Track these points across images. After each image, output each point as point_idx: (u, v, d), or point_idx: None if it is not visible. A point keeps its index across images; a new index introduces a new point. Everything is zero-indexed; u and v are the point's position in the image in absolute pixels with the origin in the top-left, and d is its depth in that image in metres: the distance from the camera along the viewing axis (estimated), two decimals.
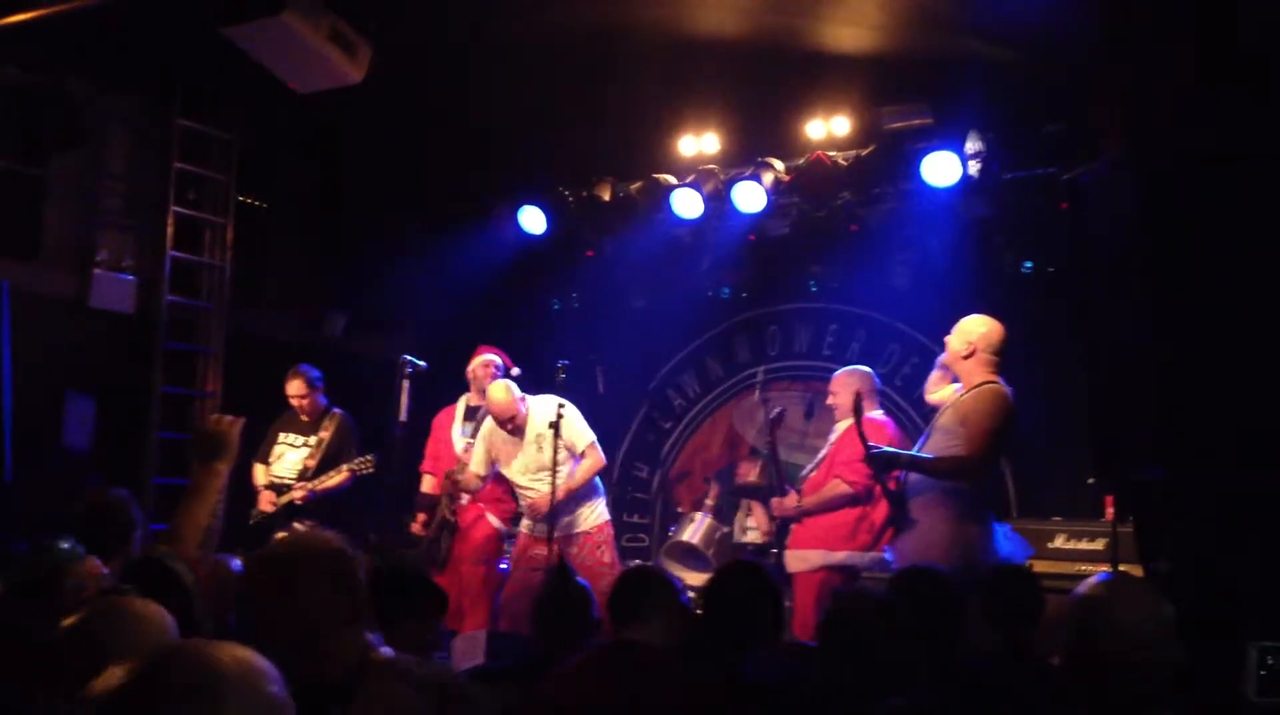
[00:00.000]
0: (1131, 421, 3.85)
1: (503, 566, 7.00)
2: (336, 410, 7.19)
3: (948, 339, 5.49)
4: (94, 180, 7.65)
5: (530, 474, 6.57)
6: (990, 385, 5.26)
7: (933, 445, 5.28)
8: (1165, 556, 3.78)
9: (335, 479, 6.91)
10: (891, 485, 5.35)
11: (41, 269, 7.35)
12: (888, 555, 5.74)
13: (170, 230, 7.80)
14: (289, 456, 7.09)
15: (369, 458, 6.90)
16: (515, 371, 7.12)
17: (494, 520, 7.05)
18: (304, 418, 7.14)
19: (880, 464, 5.31)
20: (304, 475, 6.97)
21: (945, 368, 5.67)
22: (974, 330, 5.40)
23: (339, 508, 7.09)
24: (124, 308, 7.64)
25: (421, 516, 7.08)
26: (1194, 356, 3.56)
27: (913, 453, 5.27)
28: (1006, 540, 5.26)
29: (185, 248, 7.95)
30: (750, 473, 7.92)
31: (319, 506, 6.95)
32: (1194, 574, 3.40)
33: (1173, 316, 3.56)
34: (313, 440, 7.07)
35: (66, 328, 7.36)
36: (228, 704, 1.41)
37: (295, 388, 7.08)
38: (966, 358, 5.34)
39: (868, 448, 5.31)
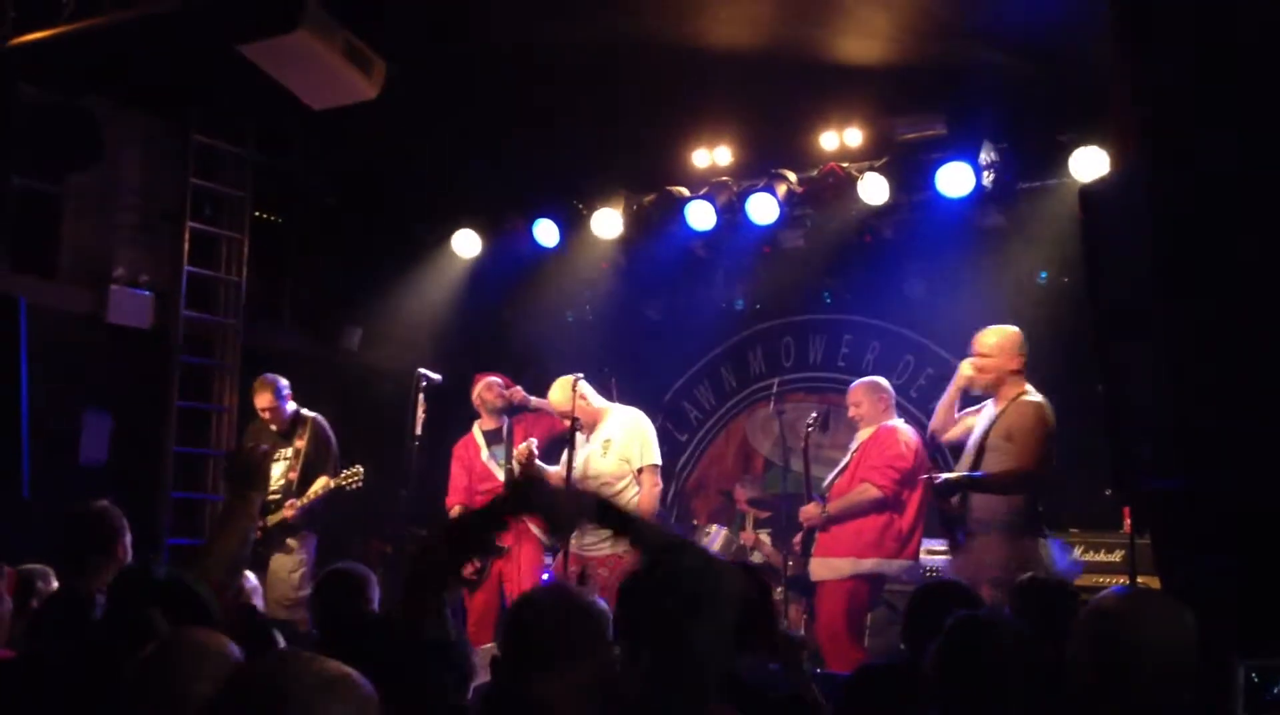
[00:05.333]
0: (1148, 432, 3.82)
1: (545, 579, 6.93)
2: (306, 414, 7.04)
3: (973, 363, 5.45)
4: (111, 197, 7.70)
5: (584, 478, 6.46)
6: (1025, 397, 5.28)
7: (987, 464, 5.27)
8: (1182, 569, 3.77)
9: (317, 487, 6.82)
10: (951, 508, 5.33)
11: (59, 285, 7.41)
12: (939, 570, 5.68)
13: (187, 246, 7.85)
14: (270, 471, 6.95)
15: (357, 470, 6.81)
16: (516, 390, 7.09)
17: (538, 531, 7.00)
18: (274, 427, 6.98)
19: (946, 491, 5.29)
20: (288, 489, 6.87)
21: (963, 391, 5.64)
22: (992, 343, 5.39)
23: (353, 520, 7.08)
24: (141, 323, 7.68)
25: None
26: (1210, 366, 3.54)
27: (971, 474, 5.25)
28: (1061, 552, 5.27)
29: (202, 263, 8.00)
30: (757, 486, 7.89)
31: (313, 518, 6.89)
32: (1205, 586, 3.38)
33: (1188, 325, 3.54)
34: (290, 452, 6.95)
35: (84, 343, 7.41)
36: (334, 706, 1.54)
37: (265, 401, 6.92)
38: (995, 373, 5.36)
39: (931, 480, 5.30)
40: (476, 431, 7.18)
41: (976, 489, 5.19)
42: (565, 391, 6.49)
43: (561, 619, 2.49)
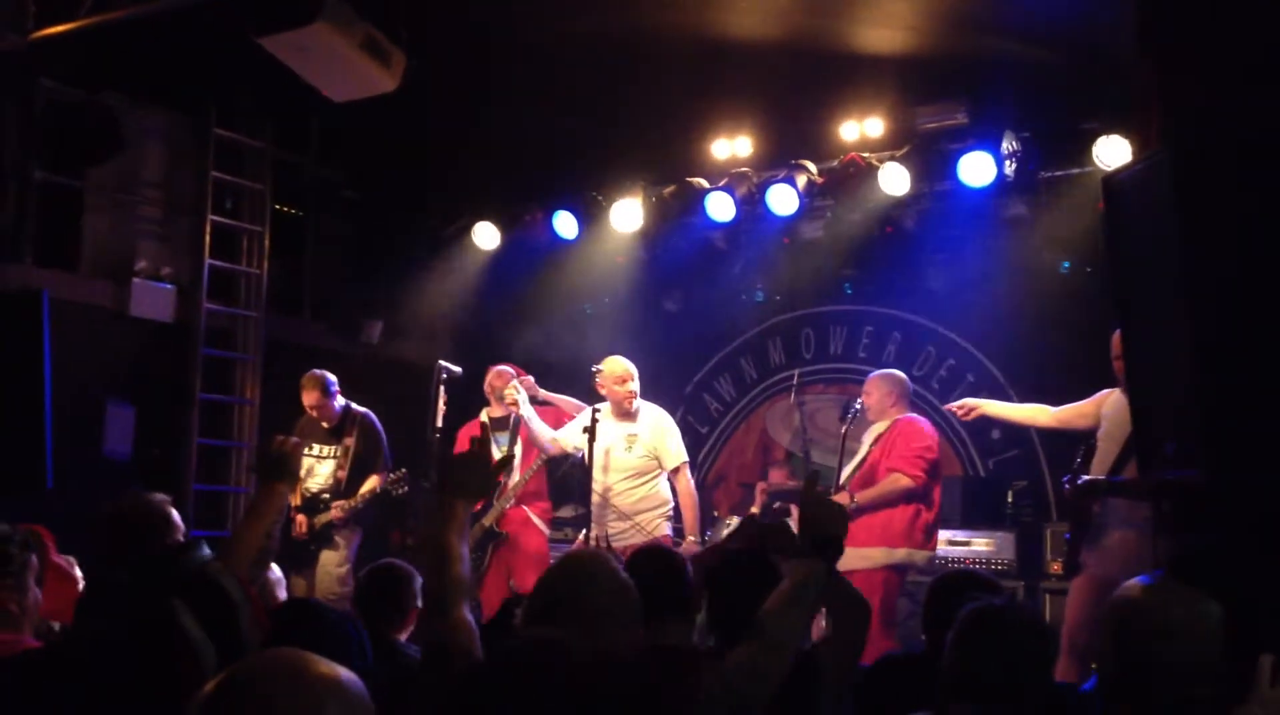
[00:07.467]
0: (1172, 423, 3.79)
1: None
2: (356, 410, 7.02)
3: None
4: (132, 191, 7.74)
5: (605, 470, 6.52)
6: None
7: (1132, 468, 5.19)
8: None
9: (367, 487, 6.87)
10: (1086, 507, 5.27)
11: (81, 279, 7.45)
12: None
13: (208, 239, 7.89)
14: (319, 469, 6.95)
15: (403, 473, 6.84)
16: (526, 379, 7.09)
17: (539, 523, 7.03)
18: (324, 425, 6.98)
19: (1087, 493, 5.22)
20: (337, 488, 6.89)
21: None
22: None
23: (373, 513, 7.09)
24: (163, 316, 7.72)
25: None
26: (1235, 356, 3.50)
27: (1113, 478, 5.17)
28: None
29: (223, 256, 8.03)
30: (779, 477, 7.86)
31: (360, 516, 6.92)
32: (1230, 579, 3.35)
33: (1212, 316, 3.51)
34: (339, 450, 6.95)
35: (107, 336, 7.45)
36: (327, 707, 1.50)
37: (312, 399, 6.92)
38: None
39: (1075, 479, 5.23)
40: (484, 417, 7.21)
41: (1118, 493, 5.13)
42: (624, 366, 6.63)
43: (612, 587, 2.66)
